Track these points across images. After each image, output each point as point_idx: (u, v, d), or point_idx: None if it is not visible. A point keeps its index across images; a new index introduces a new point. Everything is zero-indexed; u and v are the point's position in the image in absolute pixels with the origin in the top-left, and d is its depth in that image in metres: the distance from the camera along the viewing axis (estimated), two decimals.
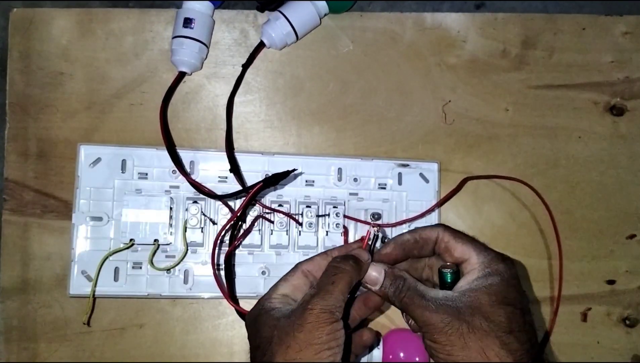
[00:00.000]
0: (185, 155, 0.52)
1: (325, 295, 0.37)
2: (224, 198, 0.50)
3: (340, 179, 0.53)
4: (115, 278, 0.51)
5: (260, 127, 0.55)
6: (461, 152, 0.55)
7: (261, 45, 0.54)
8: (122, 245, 0.50)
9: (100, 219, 0.51)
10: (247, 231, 0.51)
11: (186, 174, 0.51)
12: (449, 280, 0.41)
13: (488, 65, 0.56)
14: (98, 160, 0.52)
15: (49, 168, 0.54)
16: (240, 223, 0.51)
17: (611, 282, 0.54)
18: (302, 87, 0.56)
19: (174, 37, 0.53)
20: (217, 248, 0.49)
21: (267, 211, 0.51)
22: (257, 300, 0.41)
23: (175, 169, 0.52)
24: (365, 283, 0.41)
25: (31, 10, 0.55)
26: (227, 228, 0.49)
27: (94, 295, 0.50)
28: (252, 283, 0.52)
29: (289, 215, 0.51)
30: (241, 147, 0.54)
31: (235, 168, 0.52)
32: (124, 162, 0.52)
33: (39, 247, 0.53)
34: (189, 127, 0.54)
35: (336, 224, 0.51)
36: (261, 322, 0.38)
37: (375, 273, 0.40)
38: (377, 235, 0.42)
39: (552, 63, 0.57)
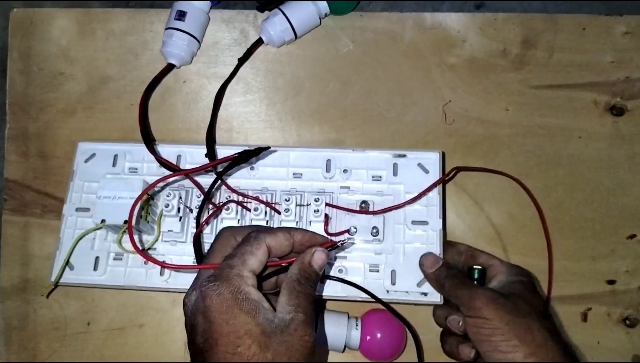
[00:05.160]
0: (171, 150, 0.52)
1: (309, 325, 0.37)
2: (190, 172, 0.47)
3: (328, 170, 0.51)
4: (95, 268, 0.50)
5: (260, 127, 0.55)
6: (461, 152, 0.55)
7: (259, 42, 0.54)
8: (93, 225, 0.49)
9: (87, 210, 0.51)
10: (215, 213, 0.49)
11: (154, 153, 0.50)
12: (476, 277, 0.46)
13: (488, 65, 0.56)
14: (92, 156, 0.52)
15: (49, 168, 0.54)
16: (214, 208, 0.49)
17: (611, 282, 0.54)
18: (302, 87, 0.56)
19: (165, 29, 0.53)
20: (135, 209, 0.44)
21: (244, 199, 0.49)
22: (220, 272, 0.36)
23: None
24: (422, 265, 0.47)
25: (31, 10, 0.55)
26: (192, 210, 0.48)
27: (63, 269, 0.49)
28: None
29: (266, 203, 0.49)
30: None
31: (211, 153, 0.50)
32: (115, 157, 0.52)
33: (39, 247, 0.53)
34: (189, 127, 0.54)
35: (315, 210, 0.48)
36: (241, 316, 0.35)
37: (433, 259, 0.47)
38: (338, 246, 0.42)
39: (552, 63, 0.56)
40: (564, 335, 0.53)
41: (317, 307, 0.41)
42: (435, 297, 0.47)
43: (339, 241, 0.42)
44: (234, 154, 0.45)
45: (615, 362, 0.53)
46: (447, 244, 0.50)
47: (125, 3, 0.56)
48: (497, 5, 0.57)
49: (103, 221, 0.48)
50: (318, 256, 0.39)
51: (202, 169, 0.48)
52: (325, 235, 0.48)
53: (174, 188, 0.51)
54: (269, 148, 0.47)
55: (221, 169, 0.48)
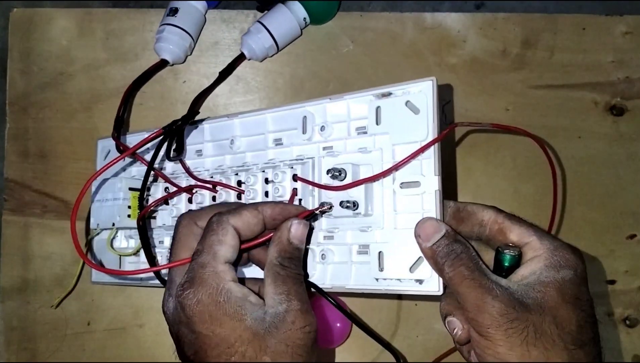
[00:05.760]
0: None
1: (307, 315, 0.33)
2: (134, 150, 0.44)
3: (304, 131, 0.42)
4: (120, 266, 0.50)
5: None
6: (461, 152, 0.55)
7: (242, 57, 0.54)
8: (92, 232, 0.49)
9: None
10: (173, 194, 0.46)
11: (117, 139, 0.49)
12: (506, 264, 0.33)
13: (488, 65, 0.56)
14: (109, 152, 0.52)
15: (49, 168, 0.54)
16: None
17: (611, 282, 0.54)
18: (302, 87, 0.56)
19: (159, 27, 0.53)
20: (79, 204, 0.40)
21: (204, 183, 0.46)
22: (193, 274, 0.32)
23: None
24: (418, 236, 0.34)
25: (31, 10, 0.55)
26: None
27: (76, 281, 0.50)
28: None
29: (229, 187, 0.44)
30: None
31: (179, 148, 0.47)
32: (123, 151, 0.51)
33: (39, 247, 0.53)
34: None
35: (276, 188, 0.41)
36: (227, 323, 0.31)
37: (431, 228, 0.33)
38: (316, 214, 0.37)
39: (552, 63, 0.56)
40: None
41: (308, 287, 0.36)
42: (433, 286, 0.35)
43: (317, 209, 0.37)
44: (162, 128, 0.43)
45: (615, 362, 0.53)
46: (463, 210, 0.36)
47: (125, 3, 0.56)
48: (497, 5, 0.57)
49: (98, 226, 0.48)
50: (296, 230, 0.34)
51: (143, 144, 0.44)
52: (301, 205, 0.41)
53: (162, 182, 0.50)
54: (198, 112, 0.45)
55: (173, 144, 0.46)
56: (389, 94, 0.39)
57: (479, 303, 0.30)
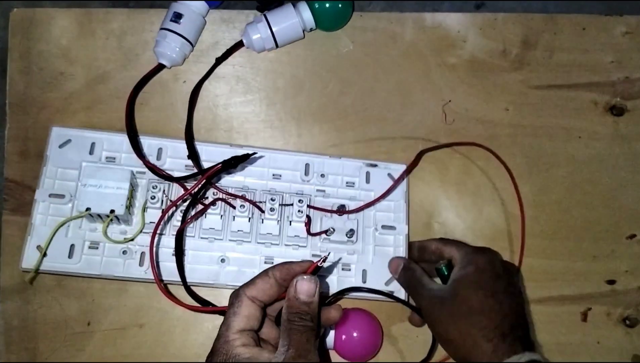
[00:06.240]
0: (153, 142, 0.52)
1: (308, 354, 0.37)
2: (180, 180, 0.49)
3: (307, 174, 0.53)
4: (70, 255, 0.49)
5: (260, 127, 0.55)
6: (461, 152, 0.55)
7: (240, 44, 0.54)
8: (69, 211, 0.48)
9: (62, 196, 0.50)
10: (203, 211, 0.50)
11: (142, 157, 0.50)
12: (445, 273, 0.48)
13: (488, 65, 0.56)
14: (68, 141, 0.51)
15: None
16: (197, 205, 0.50)
17: (611, 282, 0.54)
18: (302, 87, 0.56)
19: (160, 29, 0.53)
20: (159, 225, 0.47)
21: (228, 196, 0.50)
22: (213, 346, 0.39)
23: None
24: (389, 269, 0.51)
25: (31, 10, 0.55)
26: (177, 206, 0.49)
27: (41, 260, 0.49)
28: (210, 271, 0.51)
29: (251, 202, 0.50)
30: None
31: (193, 154, 0.51)
32: (93, 145, 0.51)
33: None
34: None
35: (298, 210, 0.51)
36: None
37: (395, 263, 0.50)
38: (323, 266, 0.41)
39: (552, 63, 0.57)
40: (564, 335, 0.53)
41: (317, 335, 0.40)
42: (401, 295, 0.51)
43: (320, 261, 0.40)
44: (218, 163, 0.46)
45: (615, 362, 0.53)
46: (419, 248, 0.52)
47: (125, 3, 0.56)
48: (497, 5, 0.57)
49: (88, 209, 0.47)
50: (300, 286, 0.38)
51: (193, 177, 0.49)
52: (306, 238, 0.51)
53: (159, 180, 0.51)
54: (255, 153, 0.48)
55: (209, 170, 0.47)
56: (375, 165, 0.54)
57: (419, 304, 0.48)
